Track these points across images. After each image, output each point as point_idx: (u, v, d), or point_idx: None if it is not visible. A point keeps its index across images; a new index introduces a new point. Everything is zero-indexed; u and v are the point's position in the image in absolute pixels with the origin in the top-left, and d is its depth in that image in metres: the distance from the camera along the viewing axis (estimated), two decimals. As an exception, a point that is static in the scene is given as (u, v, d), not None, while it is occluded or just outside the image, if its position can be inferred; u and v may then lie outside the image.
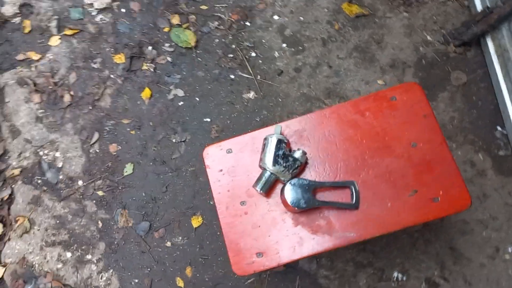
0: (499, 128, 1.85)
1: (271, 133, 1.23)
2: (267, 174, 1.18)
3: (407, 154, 1.22)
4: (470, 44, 1.93)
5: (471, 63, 1.93)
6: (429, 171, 1.21)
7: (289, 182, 1.17)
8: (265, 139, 1.21)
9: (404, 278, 1.73)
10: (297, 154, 1.19)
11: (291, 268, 1.76)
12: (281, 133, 1.26)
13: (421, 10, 2.02)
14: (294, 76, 1.99)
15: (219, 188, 1.26)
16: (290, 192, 1.16)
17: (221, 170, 1.27)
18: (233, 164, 1.27)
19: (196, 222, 1.84)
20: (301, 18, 2.06)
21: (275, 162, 1.16)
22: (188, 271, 1.79)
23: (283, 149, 1.18)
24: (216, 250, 1.80)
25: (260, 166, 1.21)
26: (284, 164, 1.17)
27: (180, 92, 2.00)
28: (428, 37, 1.98)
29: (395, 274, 1.74)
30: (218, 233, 1.82)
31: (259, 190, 1.19)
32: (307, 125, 1.27)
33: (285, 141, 1.19)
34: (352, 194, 1.20)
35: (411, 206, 1.19)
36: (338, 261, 1.76)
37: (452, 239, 1.75)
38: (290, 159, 1.18)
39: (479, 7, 1.88)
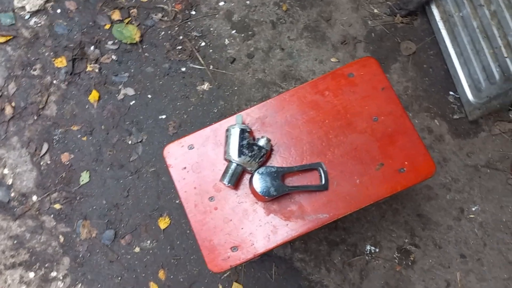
0: (451, 92, 1.90)
1: (233, 124, 1.19)
2: (233, 166, 1.14)
3: (370, 128, 1.22)
4: (416, 13, 1.96)
5: (419, 32, 1.96)
6: (393, 143, 1.21)
7: (257, 171, 1.14)
8: (227, 130, 1.16)
9: (377, 250, 1.76)
10: (262, 142, 1.15)
11: (266, 255, 1.74)
12: (242, 123, 1.22)
13: (365, -16, 2.03)
14: (248, 62, 1.94)
15: (184, 187, 1.21)
16: (259, 182, 1.13)
17: (184, 168, 1.22)
18: (196, 160, 1.22)
19: (163, 223, 1.77)
20: (247, 2, 2.01)
21: (240, 152, 1.13)
22: (161, 274, 1.73)
23: (247, 138, 1.14)
24: (187, 249, 1.75)
25: (225, 159, 1.17)
26: (250, 154, 1.13)
27: (130, 91, 1.90)
28: (375, 10, 1.99)
29: (368, 247, 1.76)
30: (188, 231, 1.77)
31: (226, 183, 1.14)
32: (268, 111, 1.24)
33: (248, 130, 1.15)
34: (321, 175, 1.19)
35: (379, 180, 1.19)
36: (312, 242, 1.76)
37: (419, 205, 1.79)
38: (255, 148, 1.14)
39: (420, -25, 1.90)
